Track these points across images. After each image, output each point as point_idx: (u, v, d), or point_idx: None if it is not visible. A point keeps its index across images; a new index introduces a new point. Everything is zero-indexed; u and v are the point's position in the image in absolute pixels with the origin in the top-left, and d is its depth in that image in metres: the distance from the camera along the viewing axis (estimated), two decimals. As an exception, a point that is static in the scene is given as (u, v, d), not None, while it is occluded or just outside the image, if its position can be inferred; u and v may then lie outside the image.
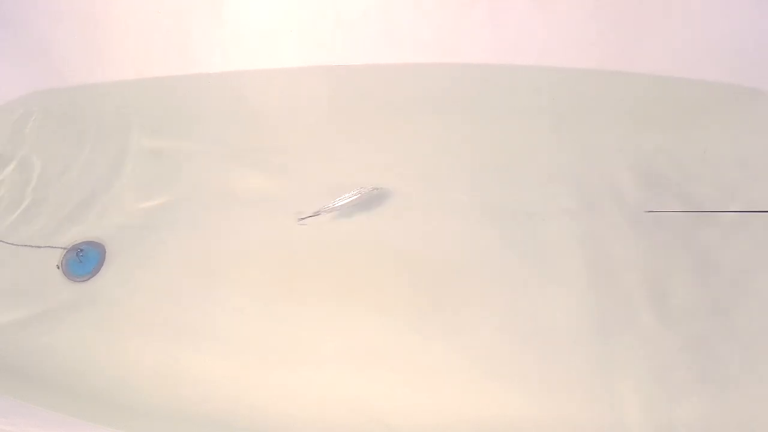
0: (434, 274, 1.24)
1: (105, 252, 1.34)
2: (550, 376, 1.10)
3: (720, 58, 1.38)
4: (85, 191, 1.46)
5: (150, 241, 1.35)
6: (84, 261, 1.32)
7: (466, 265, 1.25)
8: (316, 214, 1.22)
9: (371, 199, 1.34)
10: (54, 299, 1.28)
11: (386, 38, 1.51)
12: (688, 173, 1.33)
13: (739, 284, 1.17)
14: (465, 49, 1.50)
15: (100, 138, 1.56)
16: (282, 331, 1.19)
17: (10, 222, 1.42)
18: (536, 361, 1.12)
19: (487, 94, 1.52)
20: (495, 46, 1.48)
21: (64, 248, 1.35)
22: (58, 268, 1.32)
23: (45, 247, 1.35)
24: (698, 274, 1.19)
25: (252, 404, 1.11)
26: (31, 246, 1.35)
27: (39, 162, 1.53)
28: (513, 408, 1.07)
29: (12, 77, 1.59)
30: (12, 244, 1.35)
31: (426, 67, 1.54)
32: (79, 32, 1.51)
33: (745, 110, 1.40)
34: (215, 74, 1.60)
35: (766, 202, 1.27)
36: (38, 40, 1.52)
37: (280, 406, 1.10)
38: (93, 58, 1.58)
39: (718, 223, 1.25)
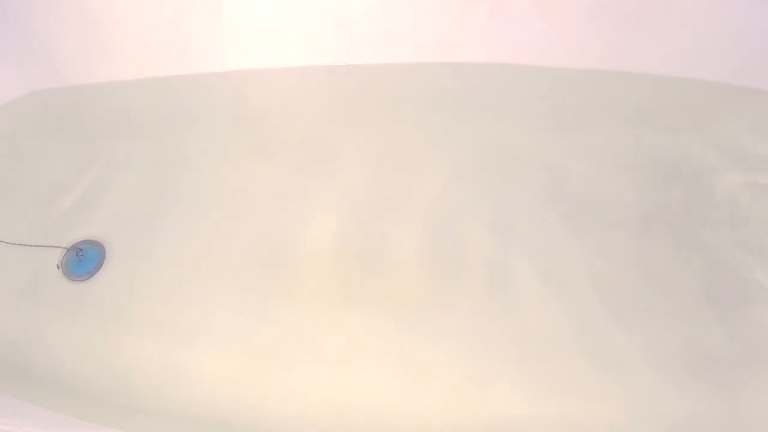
0: (434, 274, 1.24)
1: (104, 251, 1.34)
2: (550, 376, 1.10)
3: (720, 58, 1.38)
4: (84, 191, 1.46)
5: (149, 241, 1.35)
6: (83, 260, 1.32)
7: (467, 265, 1.25)
8: None
9: (371, 199, 1.34)
10: (54, 299, 1.28)
11: (386, 38, 1.51)
12: (688, 173, 1.33)
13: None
14: (465, 49, 1.50)
15: (100, 138, 1.56)
16: (282, 331, 1.19)
17: (10, 222, 1.41)
18: (537, 361, 1.12)
19: (487, 94, 1.53)
20: (495, 46, 1.48)
21: (64, 248, 1.35)
22: (59, 267, 1.32)
23: (45, 246, 1.34)
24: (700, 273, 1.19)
25: (252, 404, 1.11)
26: (31, 246, 1.35)
27: (39, 162, 1.53)
28: (513, 408, 1.07)
29: (12, 77, 1.59)
30: (12, 243, 1.34)
31: (426, 67, 1.54)
32: (79, 32, 1.51)
33: (745, 110, 1.40)
34: (215, 74, 1.60)
35: (767, 202, 1.27)
36: (38, 40, 1.52)
37: (280, 406, 1.10)
38: (93, 58, 1.58)
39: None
